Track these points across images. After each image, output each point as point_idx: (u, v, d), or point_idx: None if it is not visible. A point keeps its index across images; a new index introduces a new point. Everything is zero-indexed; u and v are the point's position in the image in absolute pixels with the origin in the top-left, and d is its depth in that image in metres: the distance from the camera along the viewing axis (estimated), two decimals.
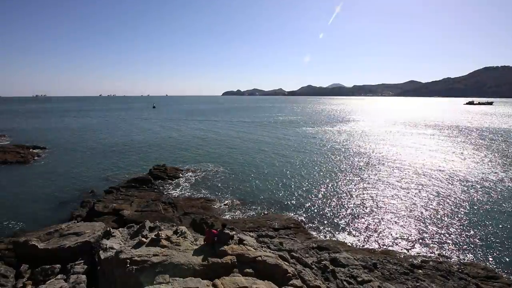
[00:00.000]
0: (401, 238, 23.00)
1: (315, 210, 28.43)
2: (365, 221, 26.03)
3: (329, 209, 28.55)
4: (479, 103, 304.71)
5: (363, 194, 32.55)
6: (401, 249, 21.39)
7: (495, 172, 40.88)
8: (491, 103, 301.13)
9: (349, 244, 21.99)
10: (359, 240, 22.97)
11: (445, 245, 22.01)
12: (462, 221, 25.78)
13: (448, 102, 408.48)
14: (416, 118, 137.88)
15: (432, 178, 38.32)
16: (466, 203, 29.65)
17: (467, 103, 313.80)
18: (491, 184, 35.75)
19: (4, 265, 14.60)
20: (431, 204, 29.45)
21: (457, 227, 24.62)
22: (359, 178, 38.20)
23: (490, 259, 20.11)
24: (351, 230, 24.55)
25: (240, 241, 13.42)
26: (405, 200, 30.61)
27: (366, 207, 28.86)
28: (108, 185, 34.05)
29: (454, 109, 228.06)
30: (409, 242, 22.47)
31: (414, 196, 31.84)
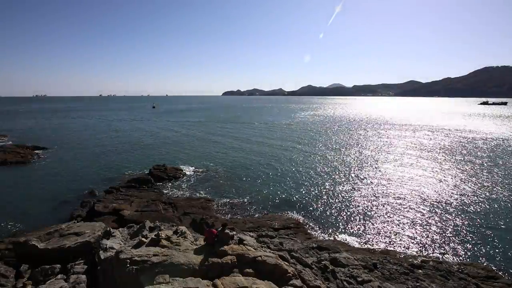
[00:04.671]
0: (401, 238, 23.00)
1: (315, 210, 28.42)
2: (365, 221, 26.03)
3: (329, 209, 28.55)
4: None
5: (364, 194, 32.54)
6: (401, 249, 21.39)
7: (497, 174, 40.87)
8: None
9: (349, 244, 21.99)
10: (359, 240, 22.96)
11: (445, 245, 22.01)
12: (462, 221, 25.77)
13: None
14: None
15: (434, 179, 38.32)
16: (466, 204, 29.64)
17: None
18: (492, 185, 35.73)
19: (4, 265, 14.59)
20: (432, 204, 29.43)
21: (457, 227, 24.61)
22: (359, 178, 38.18)
23: (490, 259, 20.11)
24: (351, 230, 24.55)
25: (240, 241, 13.41)
26: (405, 200, 30.59)
27: (366, 207, 28.85)
28: (108, 185, 34.06)
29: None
30: (409, 242, 22.47)
31: (415, 196, 31.82)
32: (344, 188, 34.55)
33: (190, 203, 28.63)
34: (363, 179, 37.78)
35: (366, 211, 28.04)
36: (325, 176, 39.27)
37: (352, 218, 26.56)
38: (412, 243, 22.33)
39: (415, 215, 27.10)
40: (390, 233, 23.89)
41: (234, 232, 15.41)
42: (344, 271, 14.90)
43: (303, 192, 33.33)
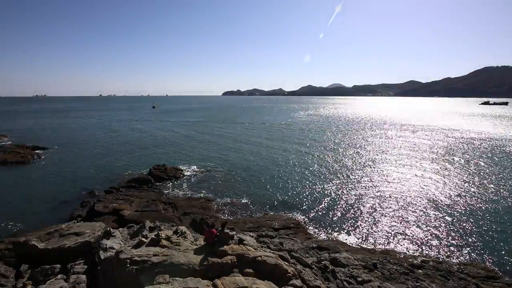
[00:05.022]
0: (401, 238, 23.00)
1: (315, 210, 28.42)
2: (365, 221, 26.03)
3: (329, 209, 28.55)
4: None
5: (364, 194, 32.53)
6: (401, 249, 21.39)
7: (497, 173, 40.87)
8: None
9: (349, 244, 21.98)
10: (359, 240, 22.96)
11: (445, 245, 22.01)
12: (462, 221, 25.77)
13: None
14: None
15: (434, 179, 38.32)
16: (467, 204, 29.64)
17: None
18: (492, 184, 35.73)
19: (4, 265, 14.59)
20: (432, 205, 29.44)
21: (457, 227, 24.61)
22: (359, 179, 38.18)
23: (490, 259, 20.11)
24: (351, 230, 24.55)
25: (240, 241, 13.41)
26: (405, 200, 30.59)
27: (366, 208, 28.85)
28: (108, 185, 34.05)
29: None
30: (409, 242, 22.47)
31: (415, 196, 31.81)
32: (344, 188, 34.54)
33: (190, 203, 28.63)
34: (363, 179, 37.77)
35: (366, 211, 28.03)
36: (325, 177, 39.27)
37: (352, 218, 26.55)
38: (412, 243, 22.33)
39: (415, 215, 27.10)
40: (390, 233, 23.88)
41: (234, 232, 15.43)
42: (344, 271, 14.91)
43: (303, 192, 33.33)
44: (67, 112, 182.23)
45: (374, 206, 29.20)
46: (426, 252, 21.05)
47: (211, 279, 11.01)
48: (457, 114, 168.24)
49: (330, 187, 34.81)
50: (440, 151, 56.41)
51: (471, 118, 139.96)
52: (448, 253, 20.93)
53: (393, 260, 18.01)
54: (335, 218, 26.66)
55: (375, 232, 24.12)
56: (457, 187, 34.74)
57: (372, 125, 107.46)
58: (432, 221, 25.82)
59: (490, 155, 52.58)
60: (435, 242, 22.32)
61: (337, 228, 24.87)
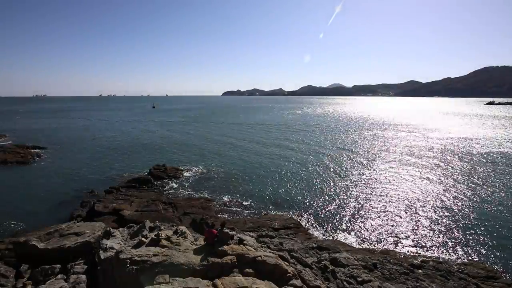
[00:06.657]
0: (401, 238, 23.00)
1: (315, 210, 28.43)
2: (365, 221, 26.02)
3: (329, 209, 28.55)
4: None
5: (364, 194, 32.54)
6: (401, 249, 21.39)
7: (497, 173, 40.87)
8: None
9: (349, 244, 21.99)
10: (359, 240, 22.97)
11: (445, 245, 22.01)
12: (462, 221, 25.77)
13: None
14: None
15: (434, 180, 38.31)
16: (466, 204, 29.64)
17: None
18: (492, 184, 35.72)
19: (4, 265, 14.59)
20: (431, 205, 29.44)
21: (457, 228, 24.61)
22: (360, 179, 38.18)
23: (490, 259, 20.12)
24: (351, 230, 24.55)
25: (240, 241, 13.41)
26: (405, 201, 30.59)
27: (366, 208, 28.85)
28: (108, 185, 34.05)
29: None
30: (409, 242, 22.47)
31: (415, 197, 31.82)
32: (344, 188, 34.54)
33: (190, 203, 28.62)
34: (363, 180, 37.77)
35: (366, 211, 28.04)
36: (325, 177, 39.27)
37: (352, 218, 26.55)
38: (412, 243, 22.33)
39: (415, 215, 27.09)
40: (390, 233, 23.88)
41: (234, 232, 15.44)
42: (344, 271, 14.90)
43: (303, 192, 33.33)
44: (67, 112, 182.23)
45: (374, 206, 29.20)
46: (426, 252, 21.05)
47: (211, 279, 11.01)
48: (466, 115, 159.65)
49: (330, 187, 34.82)
50: (442, 153, 56.40)
51: (481, 119, 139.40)
52: (448, 253, 20.93)
53: (393, 260, 18.00)
54: (335, 218, 26.66)
55: (375, 232, 24.11)
56: (458, 188, 34.73)
57: (372, 125, 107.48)
58: (432, 221, 25.83)
59: (492, 157, 52.55)
60: (435, 242, 22.32)
61: (337, 228, 24.87)
